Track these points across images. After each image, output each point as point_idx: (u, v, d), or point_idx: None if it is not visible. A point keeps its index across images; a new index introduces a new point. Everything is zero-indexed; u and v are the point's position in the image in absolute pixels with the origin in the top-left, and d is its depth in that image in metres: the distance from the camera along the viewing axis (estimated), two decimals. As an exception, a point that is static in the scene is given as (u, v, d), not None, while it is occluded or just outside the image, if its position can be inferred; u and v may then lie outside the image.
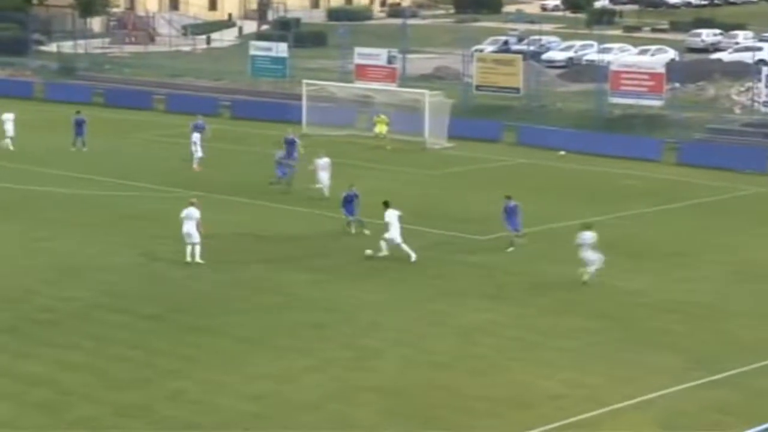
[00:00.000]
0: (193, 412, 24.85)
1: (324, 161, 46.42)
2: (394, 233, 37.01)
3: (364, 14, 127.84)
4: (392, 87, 69.40)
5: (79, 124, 57.37)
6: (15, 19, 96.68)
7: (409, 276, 35.62)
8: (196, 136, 52.74)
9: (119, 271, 35.56)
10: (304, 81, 66.49)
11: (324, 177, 46.03)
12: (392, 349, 28.93)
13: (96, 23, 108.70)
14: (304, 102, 64.09)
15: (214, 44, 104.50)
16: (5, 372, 26.79)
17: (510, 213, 39.14)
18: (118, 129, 64.20)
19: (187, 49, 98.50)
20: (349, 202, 40.63)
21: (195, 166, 52.03)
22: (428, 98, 61.08)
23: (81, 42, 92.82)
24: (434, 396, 25.87)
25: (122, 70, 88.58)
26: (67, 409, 24.94)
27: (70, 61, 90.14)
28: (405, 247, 36.82)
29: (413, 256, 36.71)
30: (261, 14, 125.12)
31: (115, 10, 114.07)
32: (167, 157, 55.65)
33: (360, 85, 70.11)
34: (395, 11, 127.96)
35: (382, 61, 72.41)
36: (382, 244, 37.05)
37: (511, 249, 38.67)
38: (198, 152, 52.25)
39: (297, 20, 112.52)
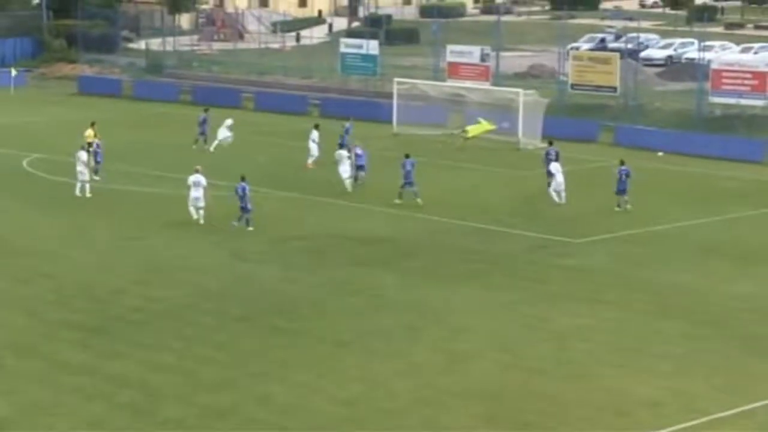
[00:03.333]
0: (282, 416, 25.04)
1: (339, 153, 48.08)
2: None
3: (457, 11, 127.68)
4: (485, 85, 69.33)
5: (201, 123, 57.79)
6: (104, 16, 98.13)
7: (503, 278, 35.58)
8: (315, 134, 52.93)
9: (209, 272, 35.95)
10: (395, 79, 66.63)
11: (343, 170, 47.40)
12: (485, 353, 28.92)
13: (185, 20, 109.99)
14: (395, 100, 64.23)
15: (303, 41, 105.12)
16: (95, 372, 27.23)
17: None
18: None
19: (276, 46, 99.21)
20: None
21: (309, 163, 52.69)
22: (522, 97, 60.89)
23: (169, 39, 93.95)
24: (528, 402, 25.81)
25: (210, 68, 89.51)
26: (156, 410, 25.27)
27: (158, 58, 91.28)
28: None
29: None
30: (352, 11, 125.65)
31: (204, 7, 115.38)
32: (255, 155, 56.09)
33: (452, 83, 70.11)
34: (489, 8, 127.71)
35: (475, 58, 72.33)
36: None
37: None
38: (314, 151, 52.79)
39: (388, 17, 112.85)
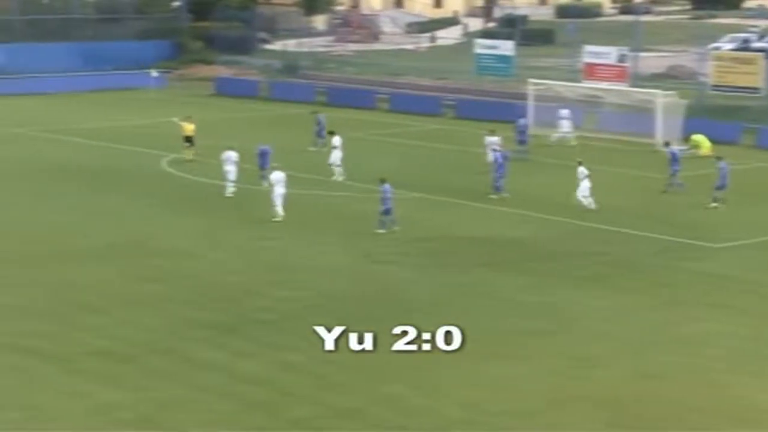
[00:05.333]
0: (408, 417, 25.49)
1: (335, 139, 50.27)
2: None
3: (593, 11, 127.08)
4: (622, 87, 68.96)
5: (317, 124, 58.73)
6: (241, 18, 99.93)
7: (635, 283, 35.59)
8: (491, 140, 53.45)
9: (338, 273, 36.57)
10: (531, 80, 66.67)
11: (335, 157, 49.83)
12: (613, 358, 29.04)
13: (320, 21, 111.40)
14: (530, 102, 64.29)
15: (438, 42, 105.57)
16: (227, 371, 27.98)
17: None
18: (339, 128, 65.55)
19: (410, 47, 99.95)
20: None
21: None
22: (661, 99, 60.50)
23: (305, 40, 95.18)
24: (654, 408, 25.89)
25: (345, 69, 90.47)
26: (286, 409, 25.91)
27: (294, 59, 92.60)
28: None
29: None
30: (487, 11, 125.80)
31: (339, 8, 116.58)
32: (389, 156, 56.72)
33: (588, 84, 69.89)
34: (627, 7, 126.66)
35: (612, 59, 72.02)
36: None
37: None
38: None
39: (524, 17, 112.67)
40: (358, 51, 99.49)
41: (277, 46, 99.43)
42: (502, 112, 67.36)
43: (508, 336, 30.59)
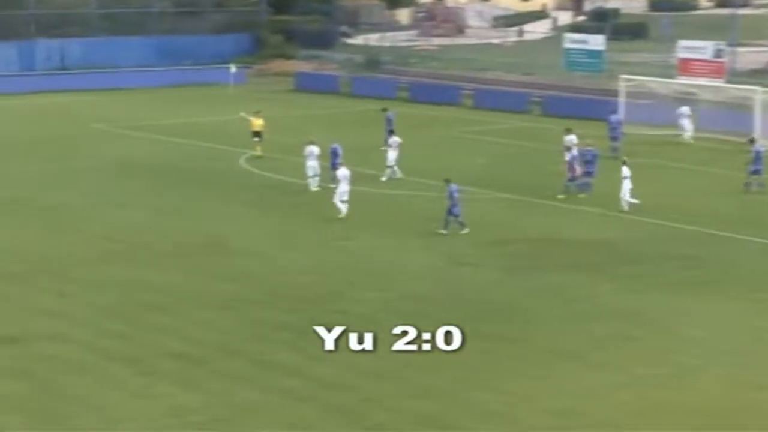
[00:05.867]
0: (492, 424, 25.26)
1: (393, 139, 50.36)
2: None
3: (688, 4, 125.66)
4: (719, 83, 68.04)
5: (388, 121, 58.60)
6: (322, 11, 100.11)
7: (730, 287, 35.00)
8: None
9: (419, 274, 36.40)
10: (622, 76, 66.05)
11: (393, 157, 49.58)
12: (708, 366, 28.55)
13: (403, 15, 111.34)
14: (621, 98, 63.66)
15: (525, 36, 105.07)
16: (307, 375, 27.88)
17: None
18: (422, 125, 65.57)
19: (496, 41, 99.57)
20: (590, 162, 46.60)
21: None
22: (759, 95, 59.59)
23: (387, 34, 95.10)
24: (754, 420, 25.41)
25: (428, 64, 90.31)
26: (367, 415, 25.78)
27: (376, 54, 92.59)
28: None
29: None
30: (576, 4, 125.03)
31: (423, 1, 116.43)
32: (472, 155, 56.46)
33: (683, 80, 69.05)
34: (724, 0, 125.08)
35: (708, 54, 71.17)
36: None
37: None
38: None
39: (615, 11, 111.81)
40: (442, 45, 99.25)
41: (358, 40, 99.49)
42: (592, 109, 66.69)
43: (598, 342, 30.20)
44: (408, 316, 31.63)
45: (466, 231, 40.92)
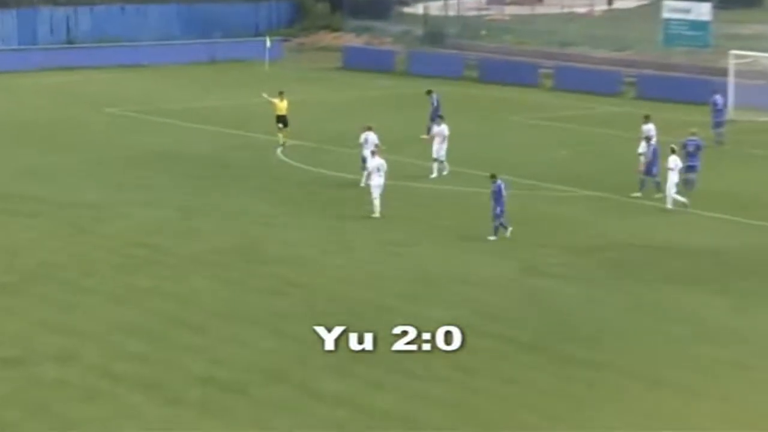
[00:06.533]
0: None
1: (441, 128, 49.82)
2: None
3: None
4: None
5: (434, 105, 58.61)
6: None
7: None
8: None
9: (491, 286, 36.48)
10: (732, 52, 65.78)
11: (440, 149, 49.39)
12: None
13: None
14: (731, 79, 63.42)
15: (616, 5, 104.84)
16: (354, 404, 28.03)
17: None
18: (493, 109, 65.66)
19: (582, 11, 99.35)
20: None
21: None
22: None
23: (452, 2, 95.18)
24: None
25: (502, 38, 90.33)
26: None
27: (439, 25, 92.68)
28: None
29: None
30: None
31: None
32: (552, 146, 56.44)
33: (805, 57, 68.76)
34: None
35: (836, 26, 70.81)
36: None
37: None
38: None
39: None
40: (517, 16, 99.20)
41: (418, 9, 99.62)
42: (696, 91, 66.39)
43: (702, 369, 30.19)
44: (483, 338, 31.53)
45: (509, 233, 40.92)
